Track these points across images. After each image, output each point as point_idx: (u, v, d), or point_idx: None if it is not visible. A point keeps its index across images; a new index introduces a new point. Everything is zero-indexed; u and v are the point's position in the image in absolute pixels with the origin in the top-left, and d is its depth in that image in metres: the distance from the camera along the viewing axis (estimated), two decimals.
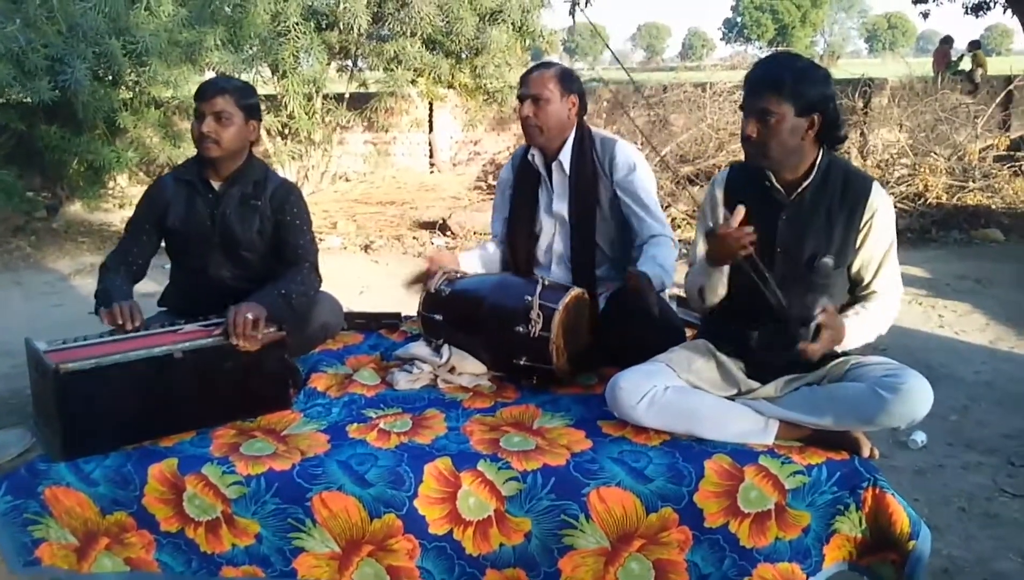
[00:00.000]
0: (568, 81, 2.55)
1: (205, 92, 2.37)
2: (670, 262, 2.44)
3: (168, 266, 2.58)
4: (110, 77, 6.31)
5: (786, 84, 1.86)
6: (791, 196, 1.97)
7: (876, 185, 1.98)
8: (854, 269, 2.00)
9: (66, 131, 6.16)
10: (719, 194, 2.08)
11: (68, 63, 5.39)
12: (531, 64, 2.66)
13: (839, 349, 1.91)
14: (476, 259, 2.73)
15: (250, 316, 2.07)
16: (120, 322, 2.12)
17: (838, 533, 1.83)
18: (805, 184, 1.96)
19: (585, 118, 2.61)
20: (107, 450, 1.91)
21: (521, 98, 2.53)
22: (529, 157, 2.65)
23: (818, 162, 1.96)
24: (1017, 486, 2.77)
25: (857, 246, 1.97)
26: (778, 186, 1.98)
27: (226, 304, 2.14)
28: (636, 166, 2.54)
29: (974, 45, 12.97)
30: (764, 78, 1.90)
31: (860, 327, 1.94)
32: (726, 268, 1.97)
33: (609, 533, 1.82)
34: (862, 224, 1.95)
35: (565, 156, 2.56)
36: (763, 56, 2.12)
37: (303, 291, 2.36)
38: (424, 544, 1.84)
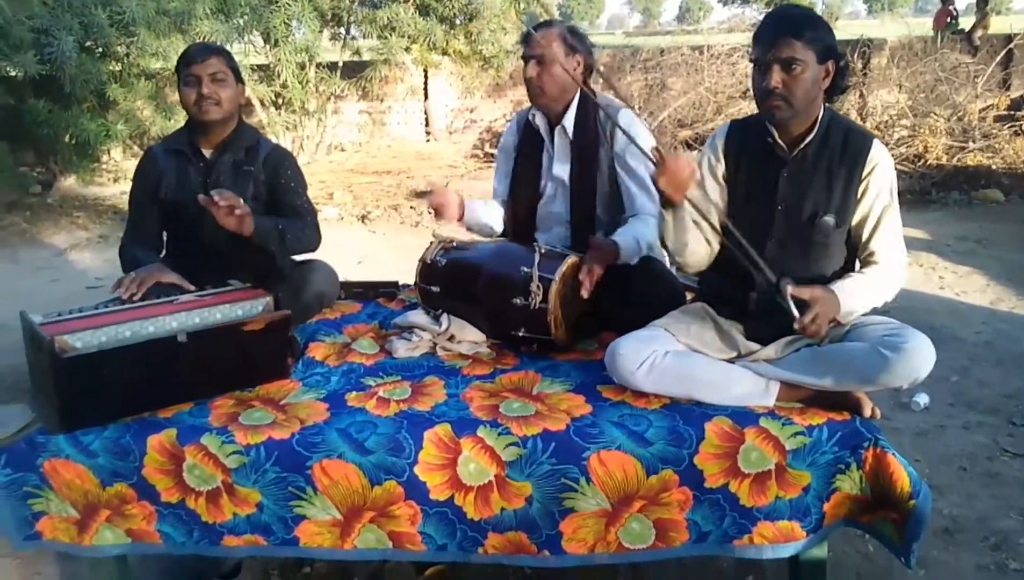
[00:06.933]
0: (573, 40, 2.47)
1: (196, 55, 2.35)
2: (647, 241, 2.35)
3: (164, 236, 2.56)
4: (99, 49, 6.23)
5: (806, 31, 1.83)
6: (793, 153, 1.95)
7: (877, 142, 1.94)
8: (853, 224, 1.97)
9: (55, 105, 6.09)
10: (719, 149, 2.05)
11: (54, 35, 5.32)
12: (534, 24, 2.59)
13: (840, 318, 1.86)
14: (481, 207, 2.68)
15: (231, 202, 2.13)
16: (125, 295, 2.14)
17: (839, 491, 1.83)
18: (807, 140, 1.93)
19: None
20: (105, 422, 1.90)
21: (525, 58, 2.46)
22: (530, 118, 2.60)
23: (820, 117, 1.93)
24: (1017, 445, 2.78)
25: (857, 199, 1.94)
26: (781, 143, 1.95)
27: (222, 272, 2.13)
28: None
29: (984, 2, 12.71)
30: (785, 26, 1.85)
31: (855, 289, 1.89)
32: (686, 216, 1.93)
33: (610, 495, 1.82)
34: (861, 179, 1.93)
35: (569, 120, 2.50)
36: (769, 11, 2.07)
37: (298, 236, 2.39)
38: (425, 510, 1.84)
